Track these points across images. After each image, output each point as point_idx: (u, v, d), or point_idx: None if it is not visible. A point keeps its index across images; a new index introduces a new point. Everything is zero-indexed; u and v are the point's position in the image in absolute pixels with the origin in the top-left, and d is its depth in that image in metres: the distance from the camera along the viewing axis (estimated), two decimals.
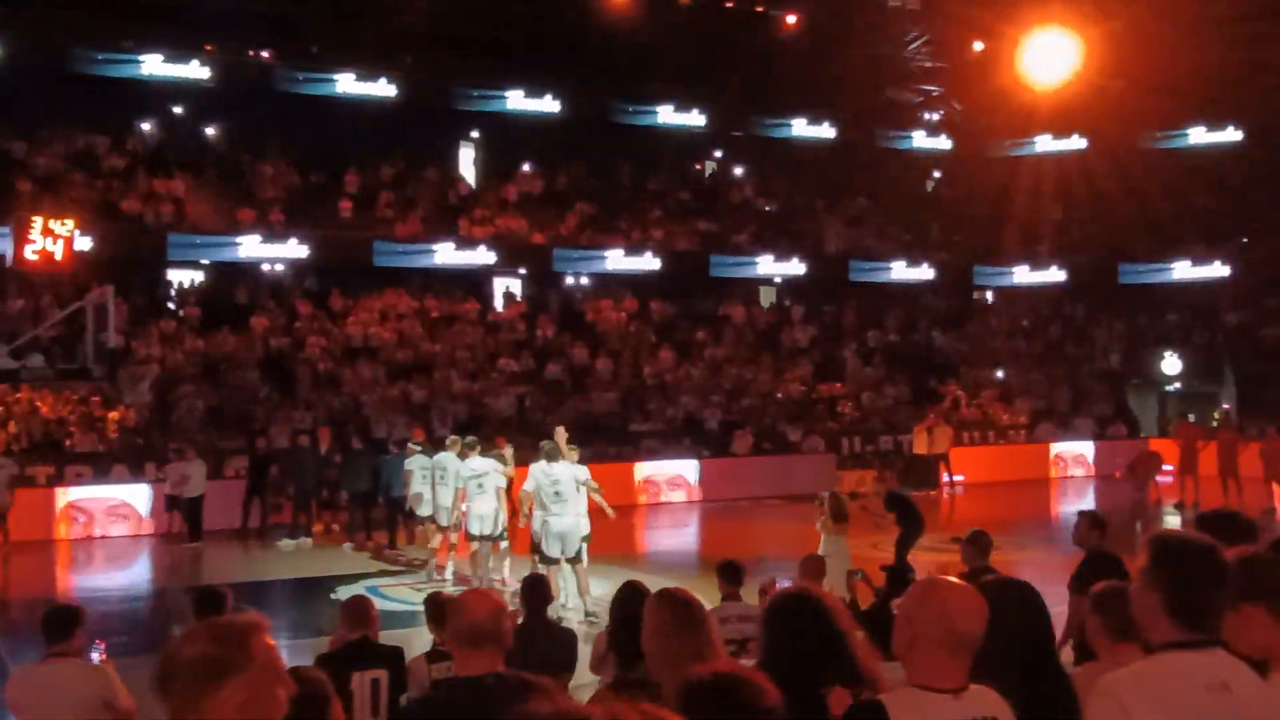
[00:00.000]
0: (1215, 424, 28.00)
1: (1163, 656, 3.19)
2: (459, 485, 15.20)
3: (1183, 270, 35.05)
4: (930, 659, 3.16)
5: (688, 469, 26.04)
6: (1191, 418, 27.84)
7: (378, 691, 5.83)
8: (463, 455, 15.40)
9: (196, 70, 29.82)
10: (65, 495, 20.95)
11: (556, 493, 13.24)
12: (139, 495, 21.29)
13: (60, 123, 28.93)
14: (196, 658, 2.50)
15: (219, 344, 26.95)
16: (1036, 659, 4.04)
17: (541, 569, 12.52)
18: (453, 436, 17.14)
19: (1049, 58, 26.50)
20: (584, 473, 13.74)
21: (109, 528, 20.88)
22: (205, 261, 29.29)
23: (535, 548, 13.62)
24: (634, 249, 32.28)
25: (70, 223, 25.23)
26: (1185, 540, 3.34)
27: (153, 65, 29.38)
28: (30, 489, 20.65)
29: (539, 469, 13.56)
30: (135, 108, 30.30)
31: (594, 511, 14.07)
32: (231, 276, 29.47)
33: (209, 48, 29.74)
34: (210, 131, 31.76)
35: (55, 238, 24.92)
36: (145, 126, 30.86)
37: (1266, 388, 30.60)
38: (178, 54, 29.42)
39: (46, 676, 5.72)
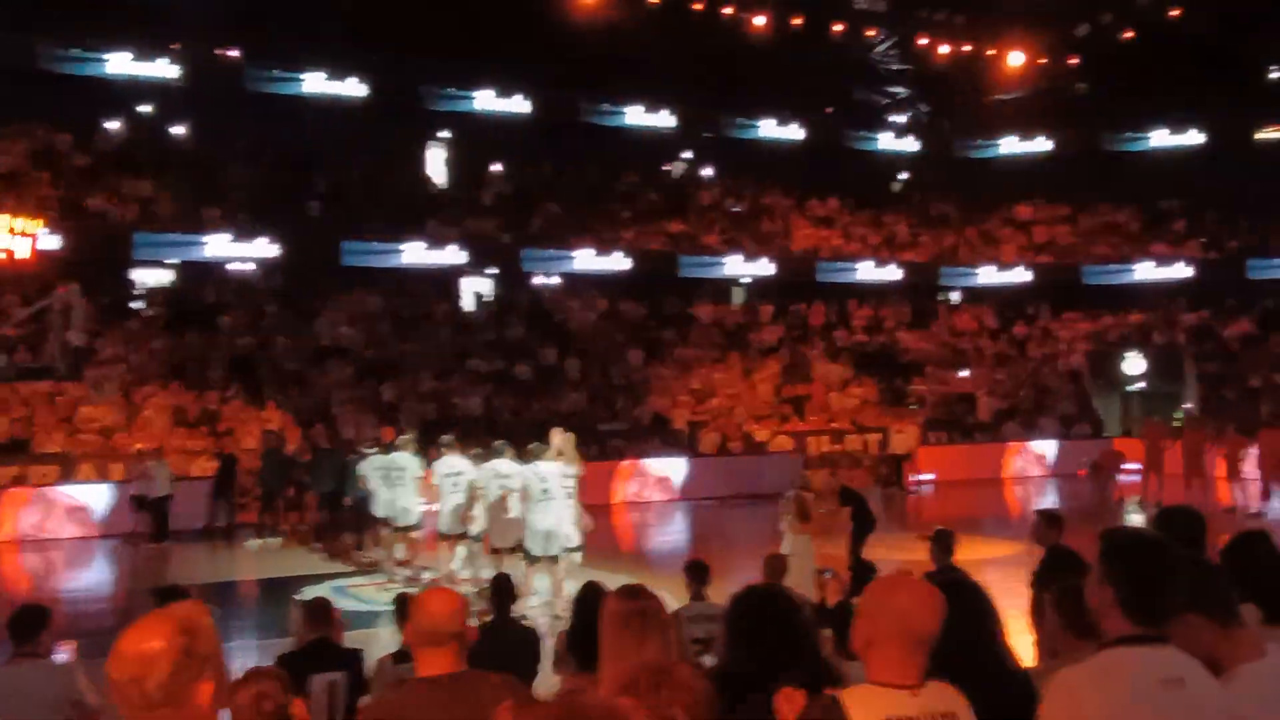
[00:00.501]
0: (1178, 423, 28.24)
1: (1116, 651, 3.21)
2: (435, 483, 15.08)
3: (1145, 271, 35.37)
4: (887, 656, 3.17)
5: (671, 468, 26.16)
6: (1157, 418, 28.09)
7: (335, 694, 5.80)
8: (430, 455, 15.35)
9: (164, 69, 29.66)
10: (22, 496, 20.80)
11: (544, 490, 13.22)
12: (98, 496, 21.10)
13: (24, 120, 28.61)
14: (171, 651, 2.41)
15: (186, 344, 26.78)
16: (989, 656, 4.08)
17: (507, 566, 12.52)
18: (404, 436, 17.09)
19: None
20: (571, 470, 13.71)
21: (64, 528, 20.68)
22: (172, 261, 29.06)
23: (493, 547, 13.69)
24: (603, 249, 32.25)
25: (35, 221, 25.12)
26: (1138, 536, 3.38)
27: (119, 63, 29.22)
28: None
29: (528, 468, 13.54)
30: (101, 106, 29.97)
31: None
32: (198, 276, 29.25)
33: (176, 46, 29.54)
34: (177, 130, 31.47)
35: (20, 236, 24.80)
36: (111, 125, 30.56)
37: (1227, 387, 30.94)
38: (145, 52, 29.26)
39: (13, 677, 5.65)
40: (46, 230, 25.40)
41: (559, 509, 13.31)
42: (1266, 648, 3.61)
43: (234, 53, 30.84)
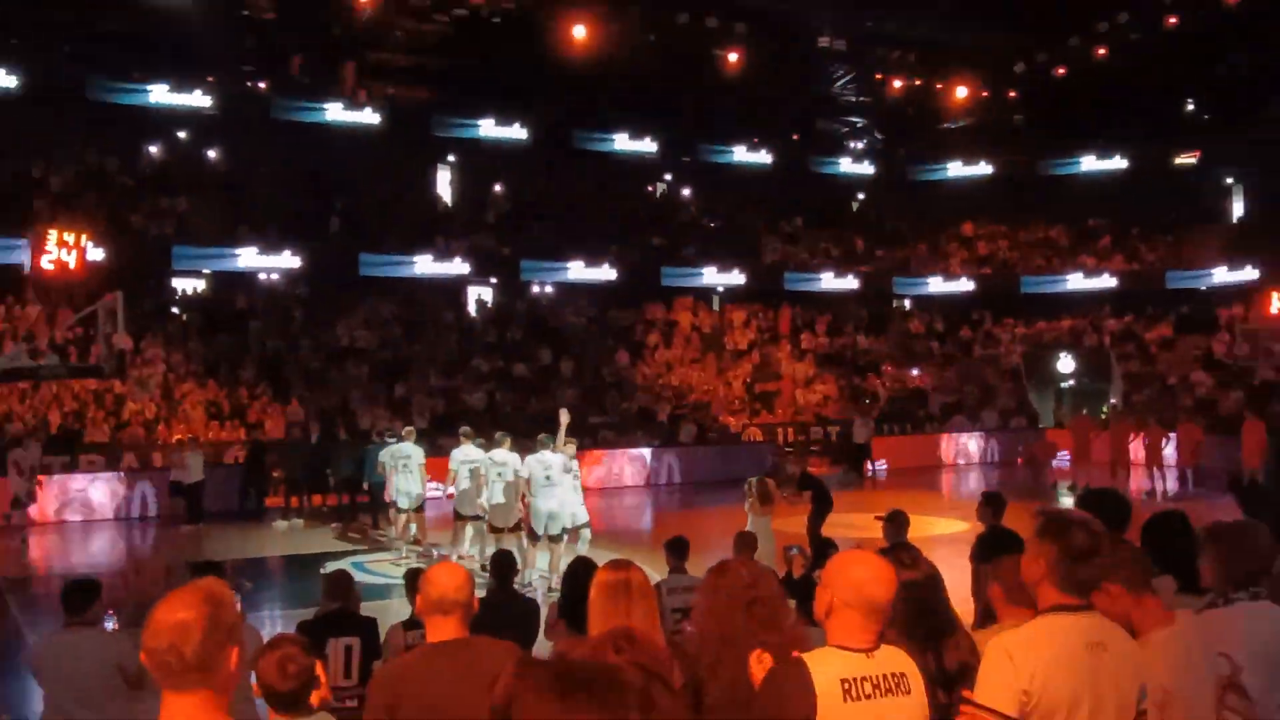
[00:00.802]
0: (1105, 416, 28.39)
1: (1048, 618, 3.25)
2: (452, 469, 15.02)
3: (1075, 281, 35.52)
4: (846, 622, 3.18)
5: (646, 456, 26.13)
6: (1085, 412, 28.21)
7: (350, 656, 5.77)
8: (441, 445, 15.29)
9: (199, 99, 29.56)
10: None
11: (547, 477, 13.26)
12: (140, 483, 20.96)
13: (74, 145, 28.51)
14: (200, 620, 2.37)
15: (219, 345, 26.68)
16: (938, 623, 4.08)
17: (508, 544, 12.50)
18: (409, 428, 17.08)
19: None
20: (575, 463, 13.73)
21: (108, 511, 20.58)
22: (206, 271, 29.00)
23: (494, 526, 13.71)
24: (593, 261, 32.26)
25: (83, 234, 24.97)
26: (1067, 516, 3.40)
27: (159, 94, 29.15)
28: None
29: (534, 458, 13.54)
30: (143, 132, 29.81)
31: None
32: (230, 284, 29.16)
33: (210, 79, 29.44)
34: (211, 154, 31.35)
35: (69, 249, 24.69)
36: (152, 149, 30.43)
37: (1146, 384, 31.07)
38: (182, 84, 29.17)
39: (67, 643, 5.58)
40: (92, 244, 25.29)
41: (562, 493, 13.32)
42: (1176, 615, 3.65)
43: (262, 85, 30.73)
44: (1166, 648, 3.50)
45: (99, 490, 20.62)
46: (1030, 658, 3.15)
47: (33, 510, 19.18)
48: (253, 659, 3.84)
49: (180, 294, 29.20)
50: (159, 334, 26.28)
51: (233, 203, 29.66)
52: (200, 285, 29.49)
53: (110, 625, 5.98)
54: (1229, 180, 36.31)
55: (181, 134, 30.84)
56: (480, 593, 6.88)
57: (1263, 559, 4.22)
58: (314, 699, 3.97)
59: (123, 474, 21.01)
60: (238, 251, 28.21)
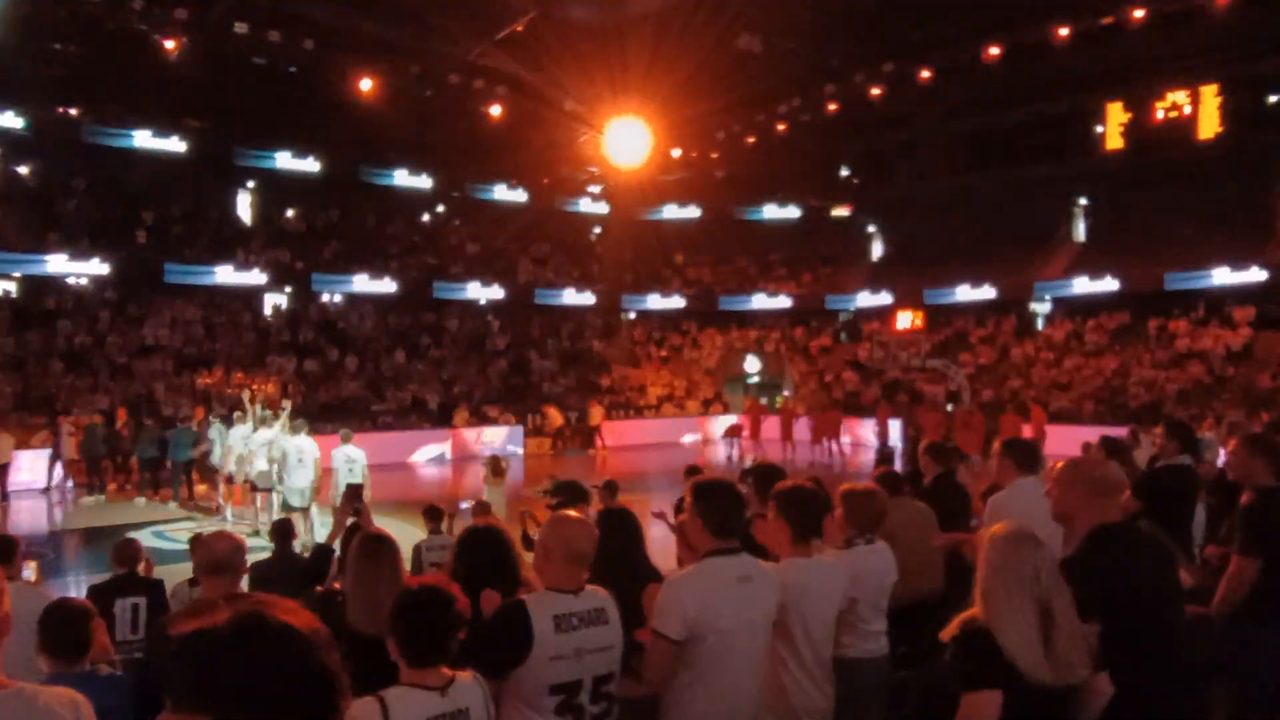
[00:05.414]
0: (779, 405, 29.88)
1: (707, 561, 3.37)
2: (253, 449, 14.13)
3: (760, 301, 37.21)
4: (557, 569, 3.20)
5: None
6: (764, 400, 29.59)
7: (136, 614, 5.33)
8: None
9: (10, 120, 26.56)
10: None
11: (300, 460, 12.76)
12: None
13: None
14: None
15: (27, 341, 24.07)
16: (637, 566, 4.18)
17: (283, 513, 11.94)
18: (238, 413, 16.07)
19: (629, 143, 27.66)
20: (313, 450, 13.05)
21: None
22: (16, 275, 26.08)
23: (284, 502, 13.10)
24: (375, 275, 31.21)
25: None
26: (714, 481, 3.53)
27: None
28: None
29: (292, 443, 12.95)
30: None
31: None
32: (40, 288, 26.35)
33: (21, 102, 26.50)
34: (23, 170, 28.22)
35: None
36: None
37: (813, 381, 32.99)
38: None
39: None
40: None
41: (307, 475, 12.83)
42: (812, 552, 3.87)
43: (73, 111, 27.91)
44: (794, 572, 3.68)
45: None
46: (694, 594, 3.26)
47: None
48: (41, 618, 3.58)
49: None
50: None
51: (44, 214, 26.83)
52: (10, 287, 26.47)
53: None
54: (871, 228, 39.00)
55: None
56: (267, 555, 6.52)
57: (876, 515, 4.54)
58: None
59: None
60: (47, 258, 25.53)
